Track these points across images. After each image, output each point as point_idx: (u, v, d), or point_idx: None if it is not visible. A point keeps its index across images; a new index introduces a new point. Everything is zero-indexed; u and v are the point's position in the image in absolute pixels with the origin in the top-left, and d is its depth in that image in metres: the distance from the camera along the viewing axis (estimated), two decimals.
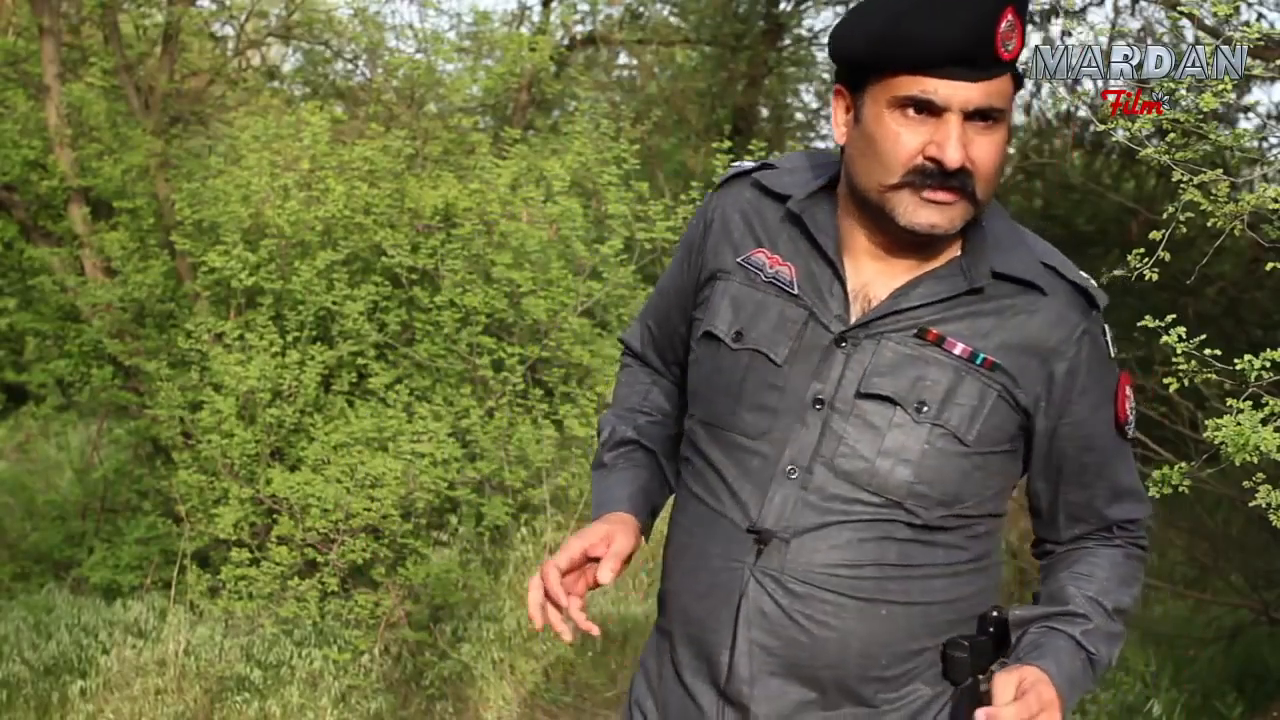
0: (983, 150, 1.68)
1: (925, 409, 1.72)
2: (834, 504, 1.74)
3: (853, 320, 1.76)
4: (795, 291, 1.79)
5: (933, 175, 1.68)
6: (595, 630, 1.81)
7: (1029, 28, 1.94)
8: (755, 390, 1.78)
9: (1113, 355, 1.81)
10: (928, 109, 1.67)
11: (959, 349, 1.73)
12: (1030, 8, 1.88)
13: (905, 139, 1.68)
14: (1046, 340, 1.75)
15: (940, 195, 1.69)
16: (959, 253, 1.77)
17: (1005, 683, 1.64)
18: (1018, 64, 1.70)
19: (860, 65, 1.71)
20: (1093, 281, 1.80)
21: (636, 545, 1.85)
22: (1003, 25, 1.66)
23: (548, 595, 1.78)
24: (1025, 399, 1.75)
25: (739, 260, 1.84)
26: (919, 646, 1.77)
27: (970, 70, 1.65)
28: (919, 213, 1.70)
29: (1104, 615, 1.79)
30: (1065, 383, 1.76)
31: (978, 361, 1.73)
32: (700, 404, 1.86)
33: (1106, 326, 1.80)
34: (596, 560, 1.81)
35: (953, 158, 1.66)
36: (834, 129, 1.77)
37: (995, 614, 1.81)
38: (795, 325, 1.78)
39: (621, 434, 1.98)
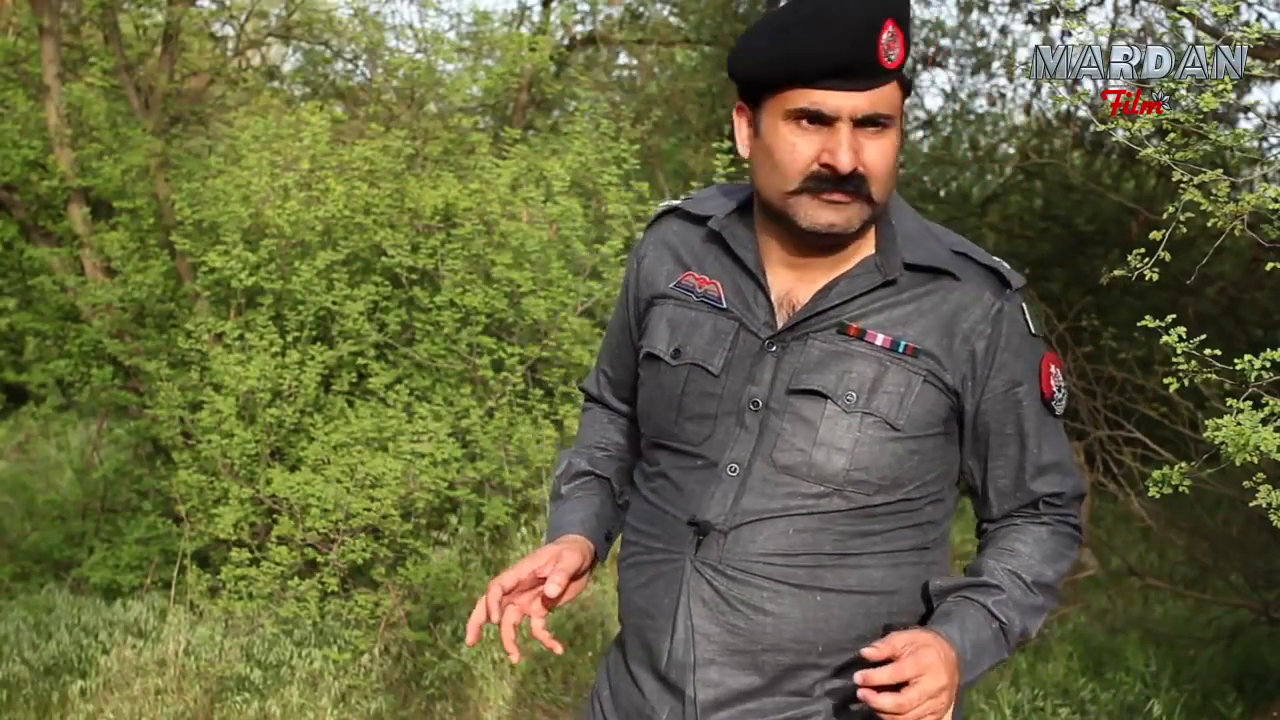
0: (874, 154, 1.80)
1: (854, 399, 1.83)
2: (773, 497, 1.84)
3: (779, 325, 1.88)
4: (724, 306, 1.92)
5: (828, 180, 1.79)
6: (559, 648, 1.92)
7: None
8: (695, 401, 1.90)
9: (1034, 332, 1.91)
10: (819, 119, 1.78)
11: (880, 340, 1.85)
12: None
13: (801, 148, 1.80)
14: (963, 321, 1.86)
15: (836, 197, 1.80)
16: (872, 252, 1.89)
17: (884, 644, 1.71)
18: (904, 71, 1.82)
19: (754, 82, 1.84)
20: (1005, 264, 1.91)
21: (586, 562, 1.96)
22: (884, 36, 1.77)
23: (488, 613, 1.88)
24: (952, 380, 1.85)
25: (671, 285, 1.98)
26: (857, 634, 1.84)
27: (855, 80, 1.77)
28: (819, 214, 1.81)
29: (1022, 588, 1.87)
30: (985, 359, 1.86)
31: (900, 350, 1.84)
32: (647, 422, 1.98)
33: (1025, 305, 1.91)
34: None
35: (844, 163, 1.77)
36: (739, 144, 1.91)
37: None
38: (728, 336, 1.90)
39: (577, 467, 2.10)
